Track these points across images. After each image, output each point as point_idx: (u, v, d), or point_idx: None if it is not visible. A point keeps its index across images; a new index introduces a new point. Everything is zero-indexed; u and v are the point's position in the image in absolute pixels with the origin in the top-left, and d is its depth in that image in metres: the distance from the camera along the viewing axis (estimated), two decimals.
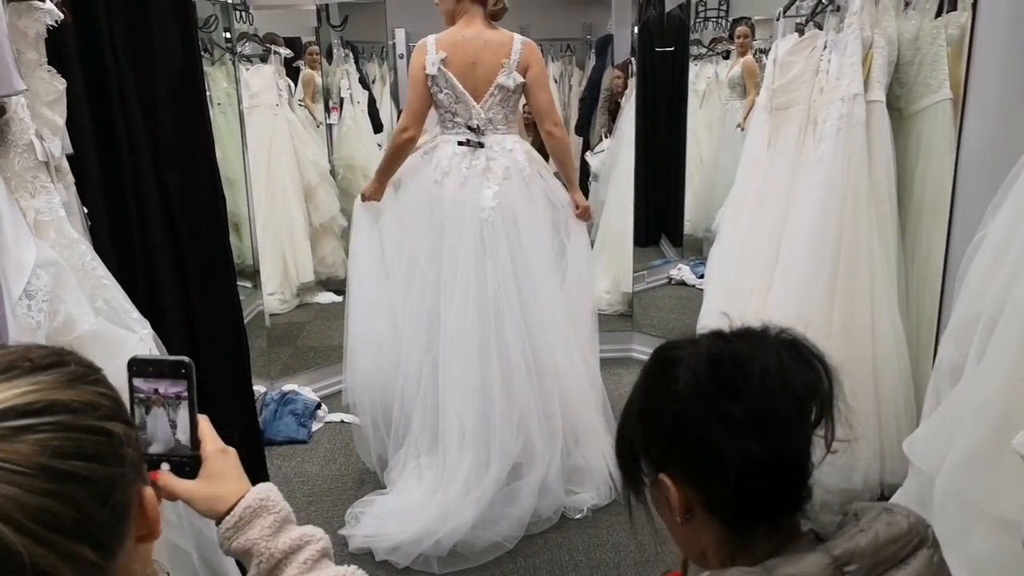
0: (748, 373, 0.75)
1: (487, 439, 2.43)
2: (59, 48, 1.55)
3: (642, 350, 3.93)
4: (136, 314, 1.58)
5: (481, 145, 2.50)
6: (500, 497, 2.43)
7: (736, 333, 0.81)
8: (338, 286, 4.67)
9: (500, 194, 2.48)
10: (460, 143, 2.50)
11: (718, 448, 0.75)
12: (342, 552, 2.38)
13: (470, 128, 2.50)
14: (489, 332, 2.45)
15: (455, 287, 2.46)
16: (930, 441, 1.68)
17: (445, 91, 2.48)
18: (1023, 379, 1.42)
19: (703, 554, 0.81)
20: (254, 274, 3.82)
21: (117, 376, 0.58)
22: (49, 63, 1.51)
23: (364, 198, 2.65)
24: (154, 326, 1.58)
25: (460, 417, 2.44)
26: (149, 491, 0.60)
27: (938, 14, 2.27)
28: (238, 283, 2.49)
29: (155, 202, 1.79)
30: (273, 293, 4.14)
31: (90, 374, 0.56)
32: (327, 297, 4.49)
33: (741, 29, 4.00)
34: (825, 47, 2.41)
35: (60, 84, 1.54)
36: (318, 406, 3.33)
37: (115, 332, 1.48)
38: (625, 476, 0.88)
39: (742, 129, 4.16)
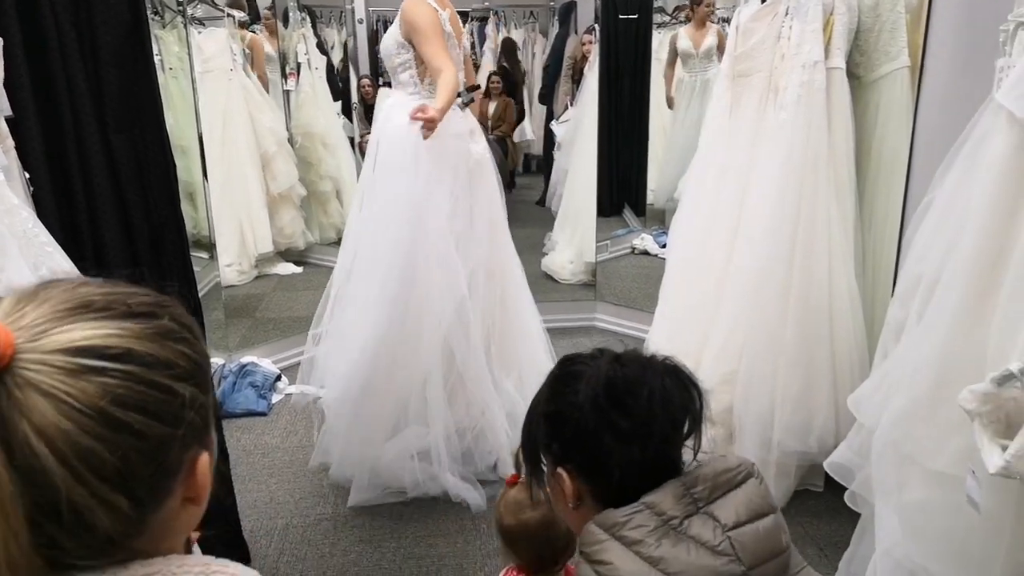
0: (637, 395, 0.92)
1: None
2: None
3: (605, 319, 3.95)
4: None
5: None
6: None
7: (629, 359, 0.97)
8: (297, 257, 4.60)
9: (484, 151, 2.50)
10: (464, 102, 2.47)
11: (608, 452, 0.92)
12: (316, 513, 2.36)
13: (466, 89, 2.49)
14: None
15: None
16: (872, 396, 1.73)
17: (452, 52, 2.41)
18: (960, 338, 1.47)
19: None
20: (210, 245, 3.73)
21: None
22: None
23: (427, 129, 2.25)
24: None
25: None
26: (205, 458, 0.59)
27: None
28: (193, 254, 2.43)
29: (101, 168, 1.73)
30: (230, 264, 4.06)
31: (180, 332, 0.56)
32: (286, 268, 4.42)
33: None
34: (787, 13, 2.40)
35: None
36: (278, 378, 3.29)
37: None
38: (527, 464, 1.03)
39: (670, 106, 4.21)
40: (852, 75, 2.32)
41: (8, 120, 1.51)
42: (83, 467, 0.48)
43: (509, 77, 6.04)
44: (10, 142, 1.52)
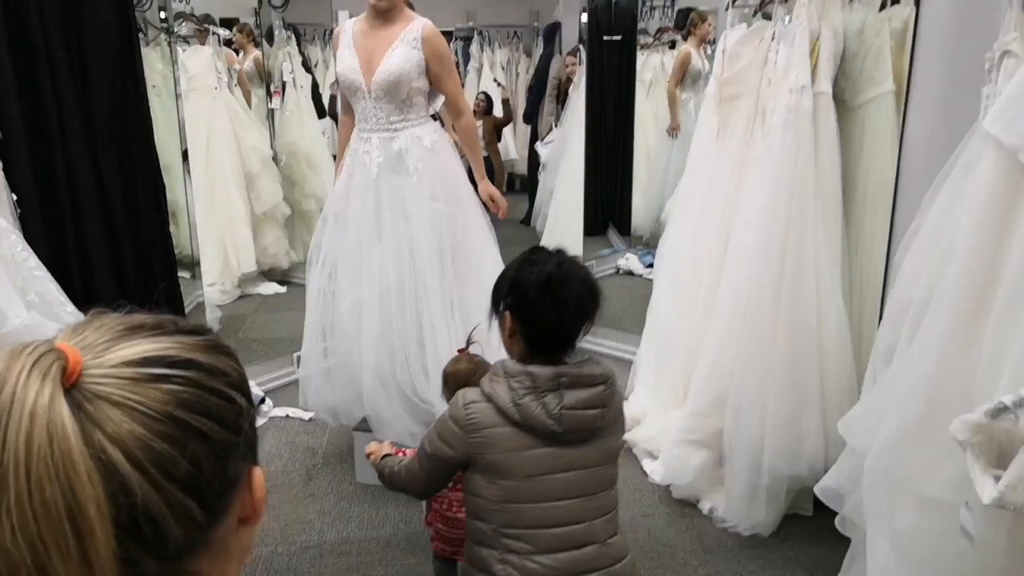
0: (562, 290, 1.41)
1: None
2: None
3: (591, 340, 3.94)
4: (71, 307, 1.50)
5: None
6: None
7: (567, 269, 1.43)
8: (280, 276, 4.56)
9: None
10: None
11: (534, 312, 1.42)
12: (302, 541, 2.33)
13: None
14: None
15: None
16: (862, 421, 1.74)
17: None
18: (950, 362, 1.48)
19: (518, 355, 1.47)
20: (192, 264, 3.69)
21: None
22: None
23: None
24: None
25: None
26: (259, 473, 0.61)
27: (882, 8, 2.31)
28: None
29: (90, 189, 1.71)
30: (213, 284, 4.01)
31: (225, 347, 0.59)
32: (270, 288, 4.38)
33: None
34: (773, 38, 2.44)
35: None
36: (262, 400, 3.24)
37: (48, 327, 1.40)
38: (492, 304, 1.49)
39: (672, 135, 4.21)
40: (838, 100, 2.35)
41: None
42: (157, 471, 0.50)
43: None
44: None
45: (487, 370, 1.84)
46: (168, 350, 0.54)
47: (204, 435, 0.53)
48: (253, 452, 0.60)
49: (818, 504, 2.13)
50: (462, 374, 1.85)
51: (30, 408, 0.46)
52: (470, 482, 1.46)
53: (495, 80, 6.33)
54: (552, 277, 1.41)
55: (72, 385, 0.49)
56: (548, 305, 1.41)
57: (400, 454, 1.73)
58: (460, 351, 1.97)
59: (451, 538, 1.94)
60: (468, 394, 1.46)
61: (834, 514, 1.91)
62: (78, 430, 0.47)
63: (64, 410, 0.47)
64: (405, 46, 2.39)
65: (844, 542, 1.92)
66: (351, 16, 2.92)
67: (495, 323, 1.51)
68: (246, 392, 0.59)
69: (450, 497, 1.90)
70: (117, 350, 0.52)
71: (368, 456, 1.76)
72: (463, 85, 6.57)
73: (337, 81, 2.56)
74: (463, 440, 1.42)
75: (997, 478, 1.23)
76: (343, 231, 2.53)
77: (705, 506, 2.48)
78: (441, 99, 2.53)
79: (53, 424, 0.46)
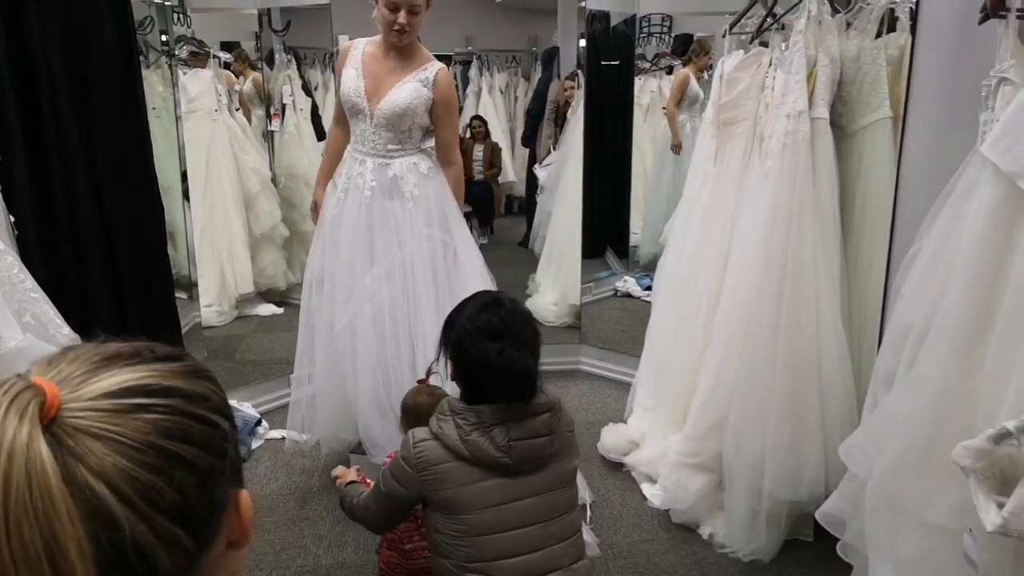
0: (503, 378, 1.46)
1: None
2: None
3: (590, 362, 3.93)
4: (67, 329, 1.49)
5: None
6: None
7: (510, 353, 1.46)
8: (278, 297, 4.55)
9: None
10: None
11: (475, 376, 1.50)
12: (298, 565, 2.30)
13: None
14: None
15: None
16: (864, 446, 1.73)
17: None
18: (951, 388, 1.47)
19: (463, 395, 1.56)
20: (190, 285, 3.68)
21: None
22: None
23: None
24: (86, 341, 1.50)
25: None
26: (246, 495, 0.61)
27: (878, 35, 2.34)
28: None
29: (89, 211, 1.71)
30: (210, 305, 4.00)
31: (204, 371, 0.59)
32: (267, 309, 4.36)
33: None
34: (771, 64, 2.46)
35: None
36: (258, 423, 3.22)
37: (44, 349, 1.39)
38: (442, 344, 1.58)
39: (676, 153, 4.24)
40: (835, 125, 2.36)
41: None
42: (143, 502, 0.49)
43: None
44: None
45: None
46: (147, 379, 0.53)
47: (189, 462, 0.52)
48: (239, 475, 0.60)
49: (819, 530, 2.11)
50: (423, 408, 1.84)
51: (8, 448, 0.45)
52: (430, 519, 1.50)
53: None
54: (490, 364, 1.46)
55: (51, 421, 0.48)
56: (484, 383, 1.49)
57: (365, 485, 1.73)
58: (420, 382, 1.98)
59: (411, 570, 1.92)
60: (417, 433, 1.51)
61: (835, 540, 1.90)
62: (58, 469, 0.46)
63: (43, 449, 0.46)
64: (416, 83, 2.42)
65: (846, 568, 1.90)
66: (350, 40, 2.94)
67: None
68: (228, 415, 0.59)
69: (401, 528, 1.88)
70: (95, 382, 0.52)
71: (335, 480, 1.77)
72: (462, 109, 6.63)
73: (338, 96, 2.57)
74: (414, 479, 1.47)
75: (1000, 505, 1.22)
76: (336, 252, 2.53)
77: (705, 531, 2.46)
78: (432, 140, 2.54)
79: (32, 464, 0.45)
